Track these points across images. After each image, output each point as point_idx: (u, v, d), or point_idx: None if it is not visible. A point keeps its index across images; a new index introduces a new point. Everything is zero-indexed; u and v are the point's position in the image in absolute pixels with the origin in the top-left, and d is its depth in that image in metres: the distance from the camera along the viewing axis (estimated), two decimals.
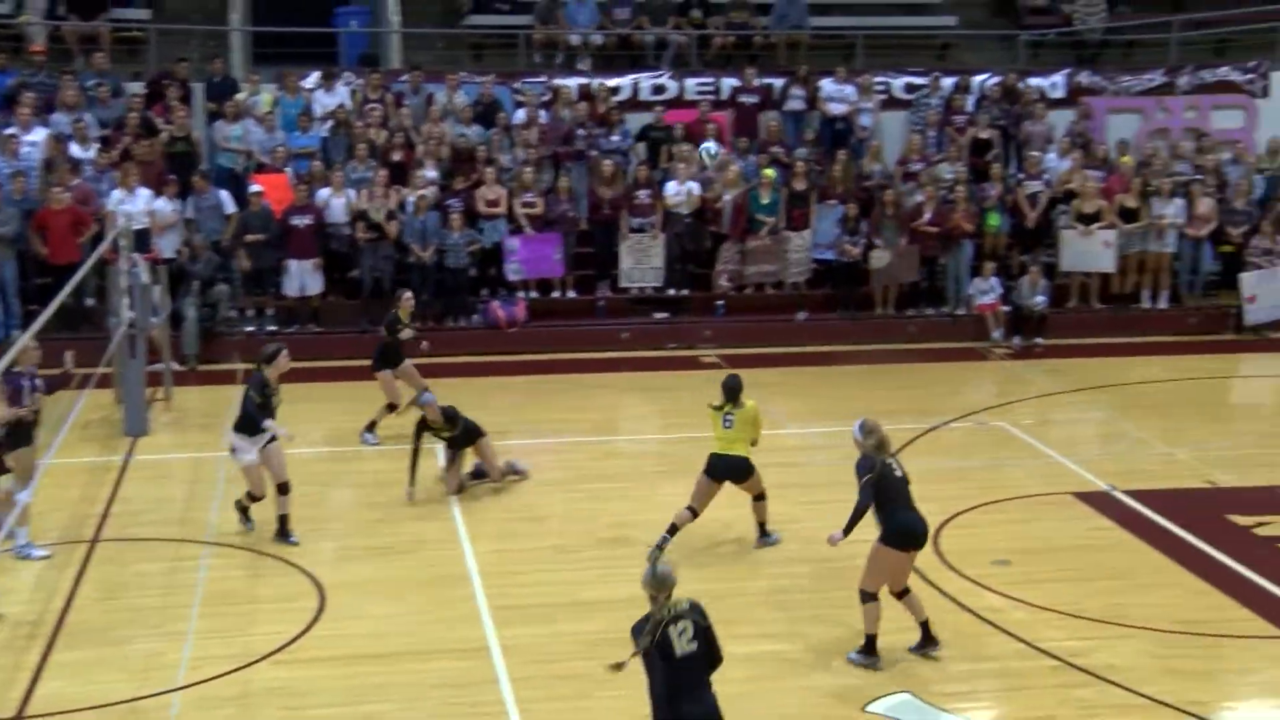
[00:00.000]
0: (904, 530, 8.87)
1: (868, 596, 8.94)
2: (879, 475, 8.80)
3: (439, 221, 17.45)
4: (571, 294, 18.31)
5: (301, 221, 17.26)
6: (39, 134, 17.45)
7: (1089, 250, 18.34)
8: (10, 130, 17.31)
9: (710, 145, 16.81)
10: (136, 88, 18.70)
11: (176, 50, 19.69)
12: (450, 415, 12.05)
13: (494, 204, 17.92)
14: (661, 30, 20.90)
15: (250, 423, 10.84)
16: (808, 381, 16.29)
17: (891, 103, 20.21)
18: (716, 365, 16.83)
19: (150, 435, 13.91)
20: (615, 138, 18.98)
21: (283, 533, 11.03)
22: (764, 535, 11.11)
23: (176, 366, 15.84)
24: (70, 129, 17.59)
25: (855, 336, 18.01)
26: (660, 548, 10.50)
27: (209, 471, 12.63)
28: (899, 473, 8.94)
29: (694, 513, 10.85)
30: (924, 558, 10.65)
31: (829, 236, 18.39)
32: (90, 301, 16.57)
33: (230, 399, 14.36)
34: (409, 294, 13.92)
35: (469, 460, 12.40)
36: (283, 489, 11.00)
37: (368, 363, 16.75)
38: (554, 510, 12.01)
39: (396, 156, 18.19)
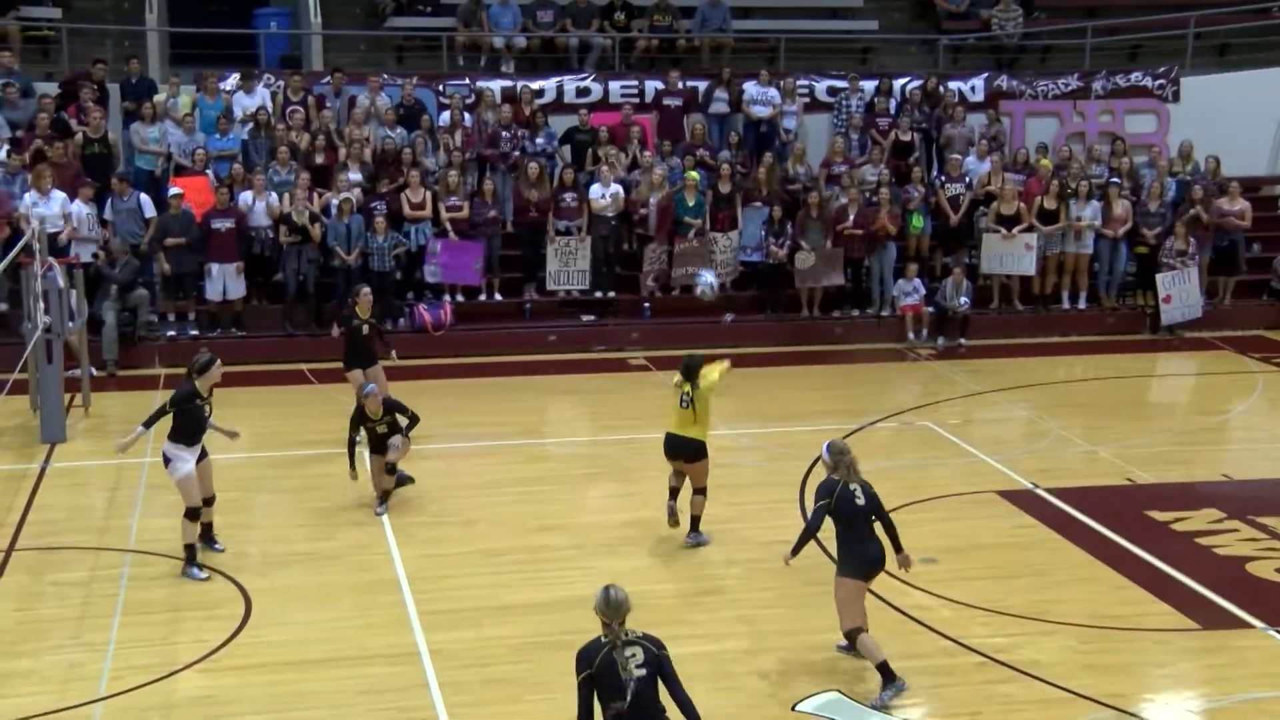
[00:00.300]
0: (864, 560, 8.68)
1: (854, 634, 8.69)
2: (836, 500, 8.61)
3: (363, 225, 17.30)
4: (498, 296, 18.26)
5: (223, 225, 17.05)
6: None
7: (1010, 253, 18.61)
8: None
9: (708, 278, 16.43)
10: (49, 88, 18.35)
11: (90, 50, 19.36)
12: (390, 407, 11.91)
13: (419, 207, 17.81)
14: (585, 33, 20.90)
15: (190, 432, 10.52)
16: (735, 383, 16.27)
17: (814, 105, 20.40)
18: (645, 367, 16.87)
19: (68, 442, 13.65)
20: (540, 140, 18.95)
21: (207, 538, 10.85)
22: (695, 533, 11.12)
23: (95, 372, 15.57)
24: None
25: (782, 338, 18.14)
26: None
27: (129, 478, 12.42)
28: (860, 500, 8.63)
29: (674, 493, 11.07)
30: None
31: (754, 239, 18.49)
32: (4, 306, 16.23)
33: (151, 405, 14.23)
34: (366, 289, 13.60)
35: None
36: (209, 501, 10.81)
37: (292, 366, 16.65)
38: (482, 514, 11.94)
39: (319, 159, 18.04)
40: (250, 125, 18.39)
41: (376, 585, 10.38)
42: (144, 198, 17.18)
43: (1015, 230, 18.42)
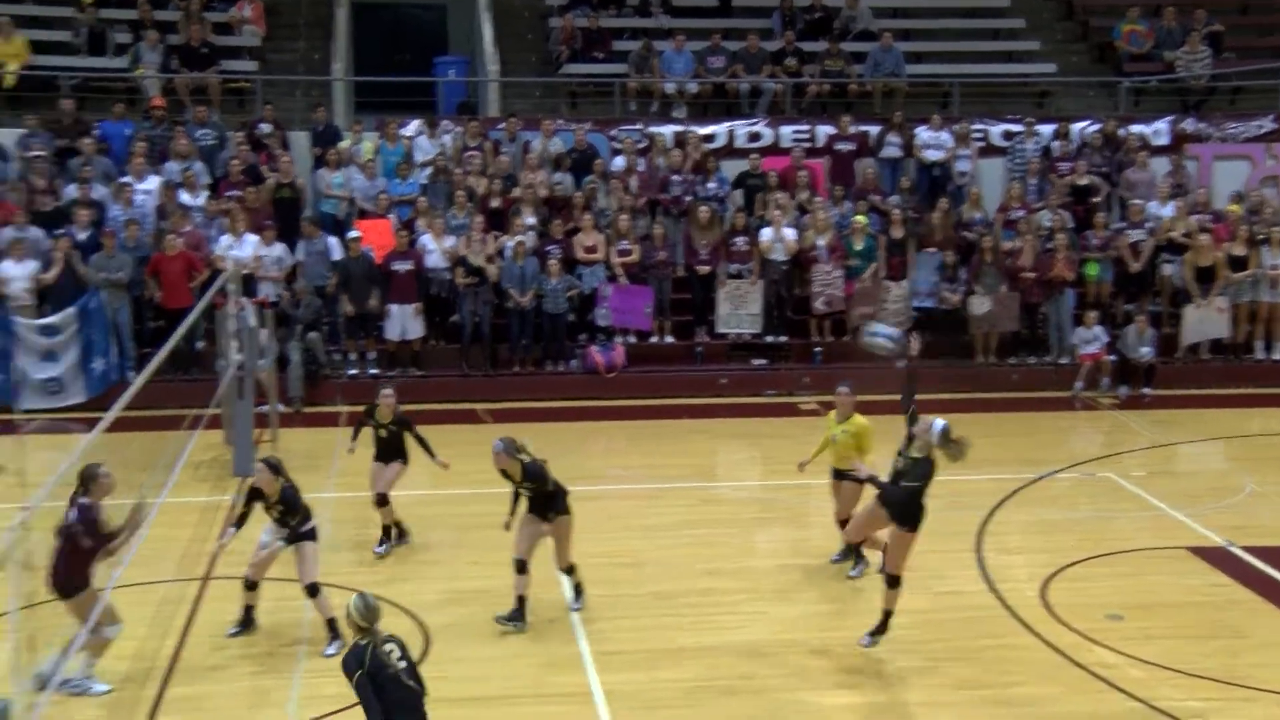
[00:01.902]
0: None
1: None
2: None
3: (537, 267, 17.61)
4: (669, 339, 18.35)
5: (402, 267, 17.53)
6: (152, 182, 17.94)
7: (1208, 318, 18.04)
8: (125, 179, 17.81)
9: (884, 331, 16.28)
10: (243, 137, 19.17)
11: (282, 100, 20.17)
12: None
13: (591, 250, 18.06)
14: (756, 79, 20.99)
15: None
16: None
17: (989, 150, 20.12)
18: (815, 412, 16.73)
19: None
20: (711, 185, 19.07)
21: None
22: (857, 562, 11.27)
23: (282, 408, 16.10)
24: (181, 177, 18.06)
25: (955, 384, 17.82)
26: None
27: (316, 512, 12.73)
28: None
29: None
30: (1032, 610, 10.53)
31: (928, 284, 18.26)
32: (201, 344, 16.93)
33: (333, 441, 14.69)
34: (388, 392, 12.39)
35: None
36: (250, 585, 10.33)
37: (467, 406, 17.01)
38: (653, 556, 11.98)
39: (495, 203, 18.44)
40: (429, 170, 18.92)
41: (549, 624, 10.48)
42: (332, 240, 17.79)
43: (1211, 295, 17.82)
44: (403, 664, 7.27)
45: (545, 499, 10.50)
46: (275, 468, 10.15)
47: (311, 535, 10.18)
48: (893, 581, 9.78)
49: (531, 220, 18.22)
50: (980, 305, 17.90)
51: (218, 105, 19.70)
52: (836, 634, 10.18)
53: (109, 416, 9.90)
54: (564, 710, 9.10)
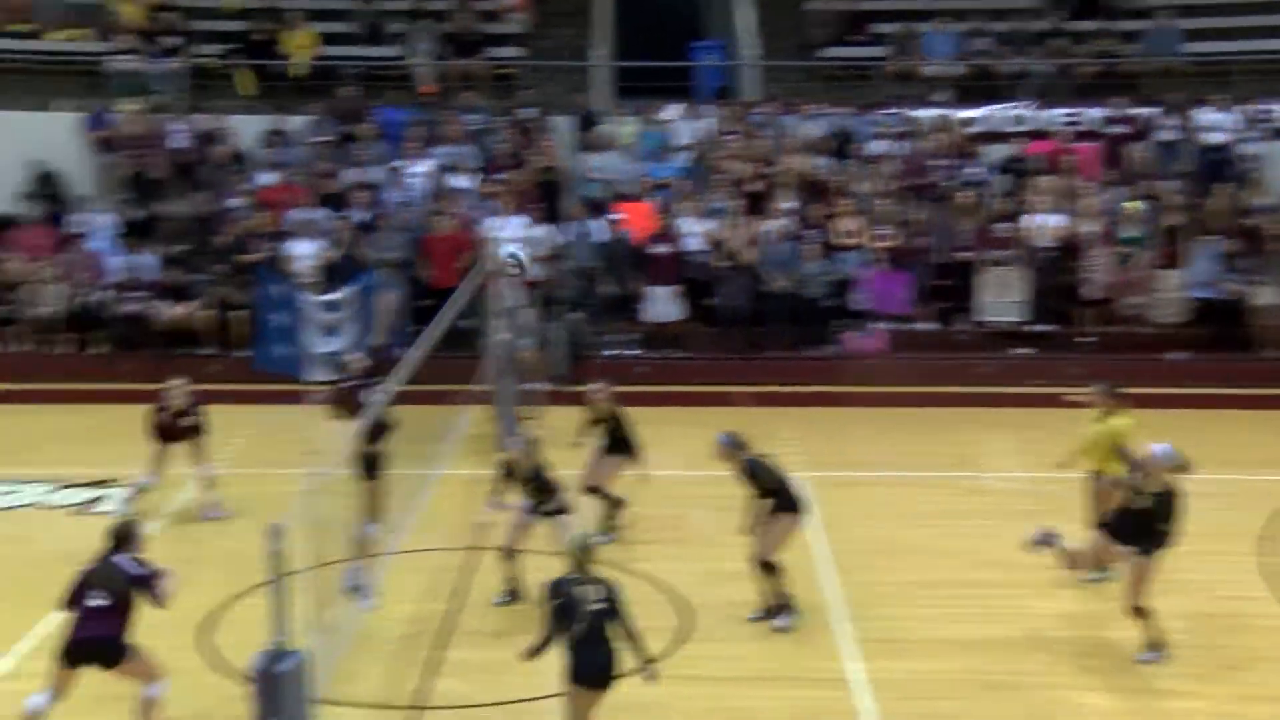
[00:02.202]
0: None
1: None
2: None
3: (796, 251, 17.57)
4: (930, 325, 18.03)
5: (662, 250, 17.74)
6: (424, 166, 18.67)
7: None
8: (399, 163, 18.59)
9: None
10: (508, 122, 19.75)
11: (547, 86, 20.69)
12: (752, 471, 10.52)
13: (851, 235, 17.90)
14: (1023, 60, 20.38)
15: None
16: (1183, 425, 15.42)
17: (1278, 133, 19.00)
18: (1080, 405, 16.19)
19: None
20: (974, 169, 18.63)
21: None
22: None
23: (546, 387, 16.52)
24: (452, 161, 18.73)
25: (1237, 379, 16.93)
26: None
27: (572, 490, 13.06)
28: None
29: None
30: None
31: (1207, 273, 17.40)
32: (468, 323, 17.50)
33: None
34: (598, 387, 12.73)
35: None
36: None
37: (726, 388, 17.11)
38: (917, 544, 11.83)
39: (754, 187, 18.46)
40: (689, 154, 19.08)
41: (810, 608, 10.46)
42: (594, 222, 18.16)
43: None
44: (600, 605, 7.69)
45: (769, 495, 10.21)
46: (527, 445, 10.52)
47: (564, 510, 10.50)
48: (1137, 613, 9.42)
49: (790, 204, 18.18)
50: (1270, 295, 16.91)
51: (485, 91, 20.35)
52: (1107, 633, 9.85)
53: (388, 390, 10.40)
54: (821, 695, 9.10)
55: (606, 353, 17.85)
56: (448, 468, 13.41)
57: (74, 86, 20.08)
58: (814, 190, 18.50)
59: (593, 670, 7.73)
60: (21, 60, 20.47)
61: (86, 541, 11.51)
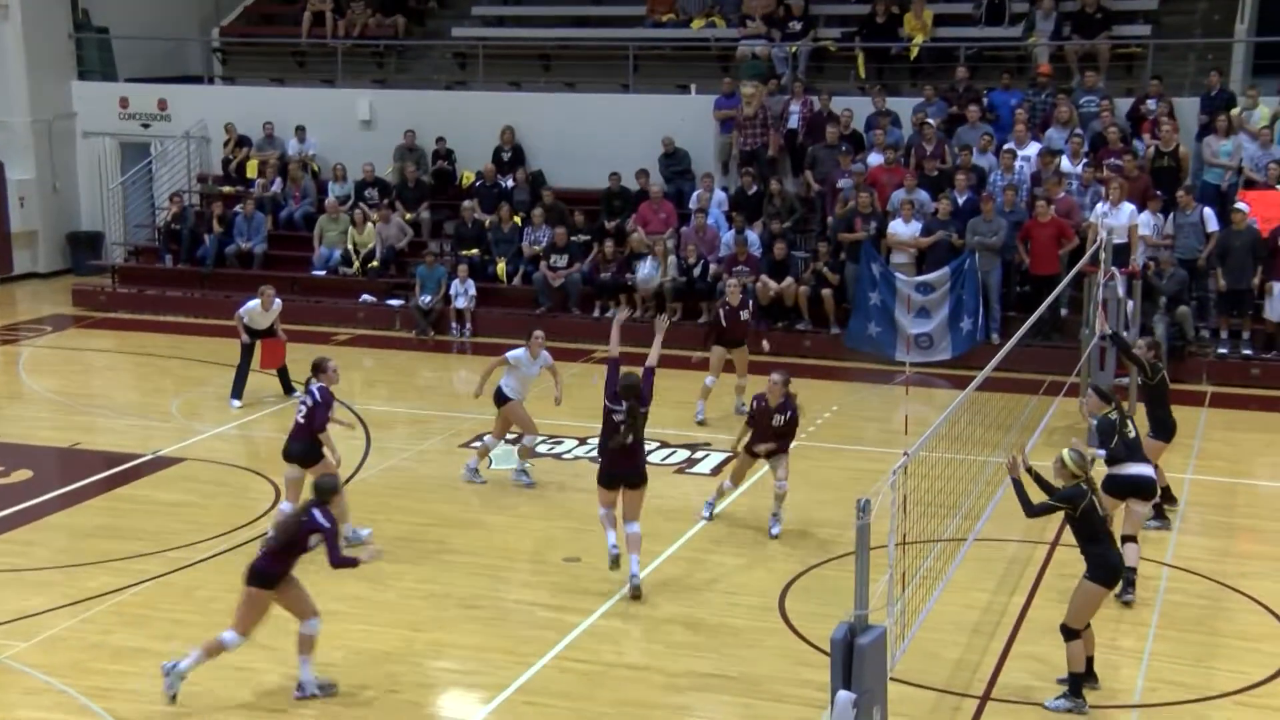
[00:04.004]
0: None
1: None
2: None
3: None
4: None
5: None
6: (1033, 149, 18.30)
7: None
8: (1009, 146, 18.35)
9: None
10: (1127, 104, 18.88)
11: (1174, 66, 19.53)
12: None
13: None
14: None
15: None
16: None
17: None
18: None
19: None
20: None
21: None
22: None
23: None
24: (1064, 144, 18.22)
25: None
26: None
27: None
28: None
29: None
30: None
31: None
32: (1065, 312, 17.05)
33: (1194, 421, 14.17)
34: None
35: None
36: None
37: None
38: None
39: None
40: None
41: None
42: (1207, 211, 17.02)
43: None
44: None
45: None
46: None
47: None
48: None
49: None
50: None
51: (1104, 71, 19.56)
52: None
53: (981, 375, 10.39)
54: None
55: (1217, 350, 16.72)
56: (1030, 459, 13.15)
57: (710, 70, 21.56)
58: None
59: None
60: (667, 47, 22.27)
61: (686, 498, 12.56)
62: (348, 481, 13.12)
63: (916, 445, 9.66)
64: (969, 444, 11.83)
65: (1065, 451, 8.71)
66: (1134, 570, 10.17)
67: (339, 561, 8.83)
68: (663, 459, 13.91)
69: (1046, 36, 20.07)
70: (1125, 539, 10.02)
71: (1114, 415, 10.43)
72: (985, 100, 19.33)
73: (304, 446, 11.12)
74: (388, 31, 23.81)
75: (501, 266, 19.96)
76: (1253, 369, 16.42)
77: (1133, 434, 10.46)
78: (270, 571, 8.76)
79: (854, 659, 7.47)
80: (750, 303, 15.54)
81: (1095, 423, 10.69)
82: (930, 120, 18.99)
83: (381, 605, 10.24)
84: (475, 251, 20.10)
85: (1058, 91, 19.11)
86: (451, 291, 19.38)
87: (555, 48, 23.00)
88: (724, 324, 15.18)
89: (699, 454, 14.06)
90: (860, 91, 20.46)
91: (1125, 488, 10.17)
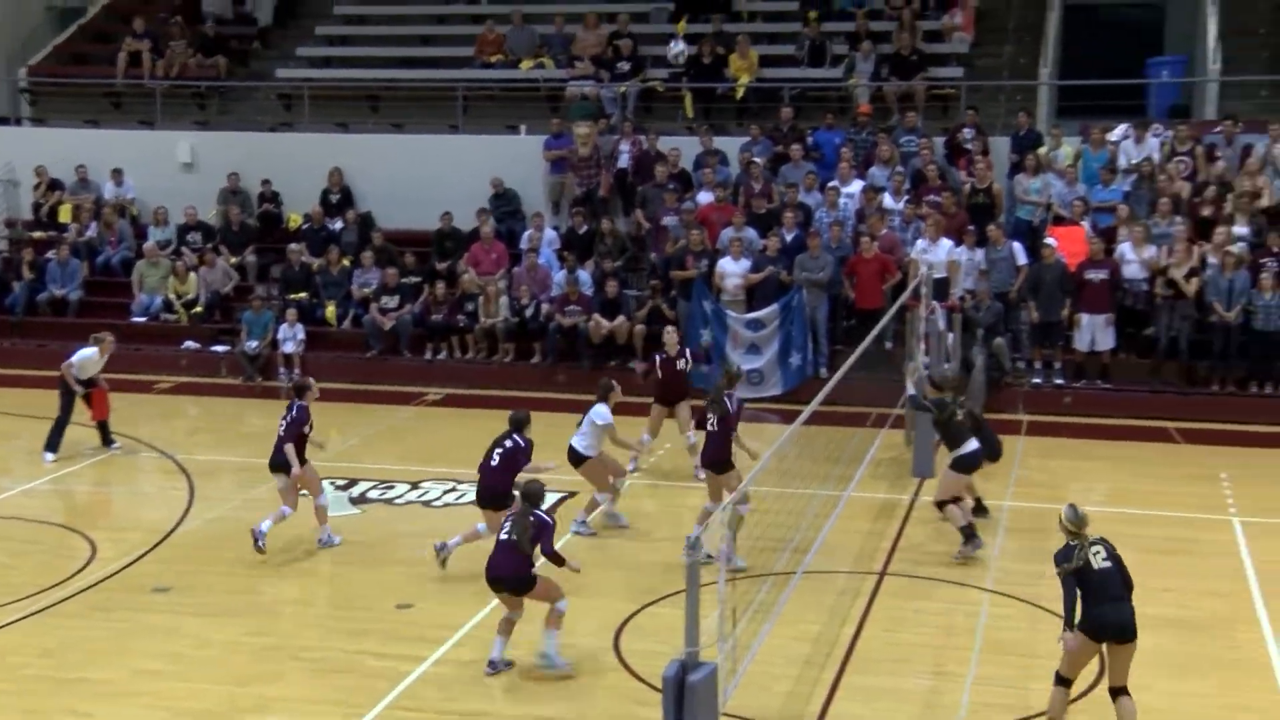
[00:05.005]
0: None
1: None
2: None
3: (1248, 281, 16.39)
4: None
5: (1096, 276, 17.03)
6: (856, 186, 18.79)
7: None
8: (833, 184, 18.80)
9: None
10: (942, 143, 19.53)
11: (985, 106, 20.29)
12: None
13: None
14: None
15: None
16: None
17: None
18: None
19: (935, 478, 14.35)
20: None
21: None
22: None
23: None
24: (887, 182, 18.74)
25: None
26: None
27: (989, 520, 12.78)
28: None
29: None
30: None
31: None
32: (889, 345, 17.47)
33: (1011, 449, 14.66)
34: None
35: None
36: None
37: (1156, 423, 16.22)
38: None
39: (1205, 212, 17.38)
40: (1134, 176, 18.20)
41: (1246, 664, 9.81)
42: (1016, 246, 17.67)
43: None
44: (1107, 563, 8.35)
45: None
46: None
47: None
48: None
49: (1244, 231, 16.98)
50: None
51: (922, 111, 20.22)
52: None
53: (807, 410, 10.58)
54: None
55: (1031, 381, 17.34)
56: (857, 491, 13.45)
57: (539, 111, 21.64)
58: (1274, 215, 17.18)
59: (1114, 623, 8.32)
60: (496, 88, 22.28)
61: None
62: (171, 534, 12.75)
63: (746, 480, 9.82)
64: (798, 478, 12.05)
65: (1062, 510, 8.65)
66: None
67: (551, 554, 9.68)
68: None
69: (866, 78, 20.68)
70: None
71: (949, 398, 11.72)
72: (810, 139, 19.79)
73: (284, 458, 12.06)
74: (209, 72, 23.37)
75: (331, 310, 19.67)
76: (1065, 398, 17.05)
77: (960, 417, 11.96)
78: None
79: (685, 696, 7.51)
80: (688, 352, 14.96)
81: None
82: (757, 159, 19.36)
83: (204, 661, 9.91)
84: (304, 295, 19.79)
85: (878, 131, 19.68)
86: (279, 336, 19.01)
87: (383, 88, 22.86)
88: (660, 376, 14.67)
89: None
90: (689, 131, 20.76)
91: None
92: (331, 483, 13.81)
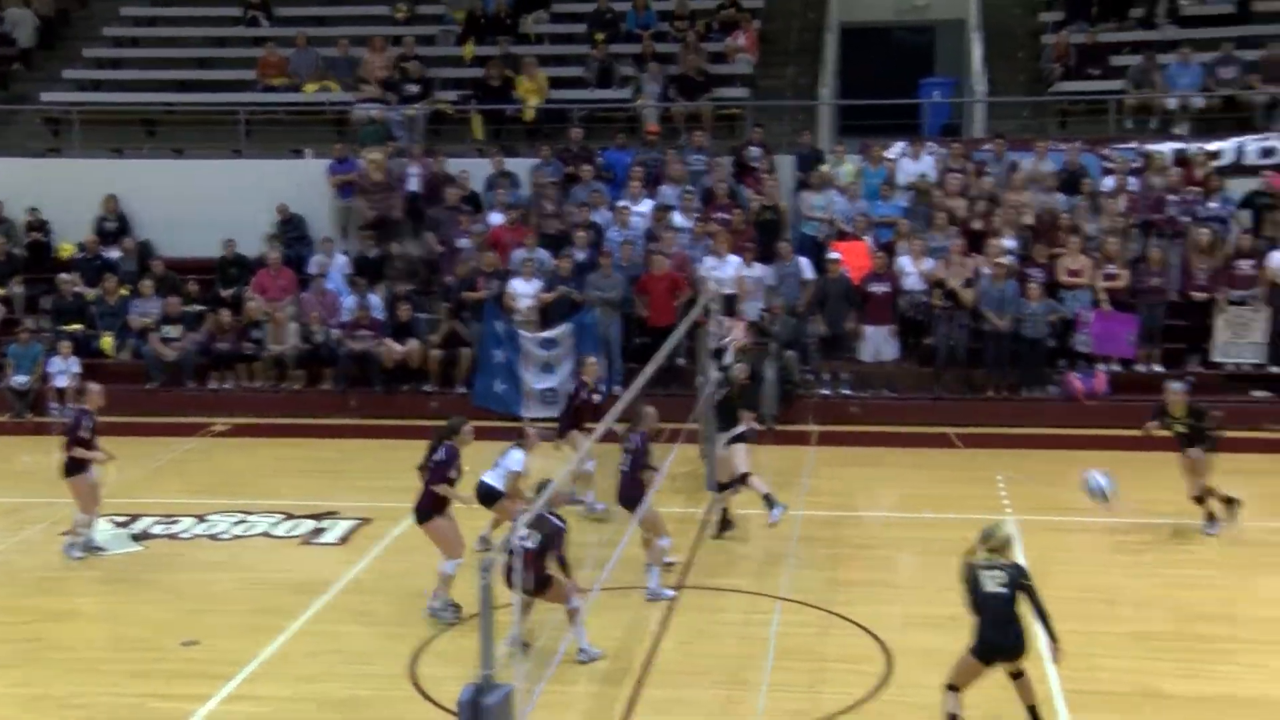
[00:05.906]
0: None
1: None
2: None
3: (1017, 291, 17.14)
4: (1156, 368, 17.29)
5: (879, 289, 17.57)
6: (646, 205, 18.99)
7: None
8: (623, 203, 18.96)
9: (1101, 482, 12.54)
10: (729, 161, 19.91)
11: (770, 125, 20.77)
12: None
13: (1076, 274, 17.36)
14: (1277, 89, 19.42)
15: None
16: None
17: None
18: None
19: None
20: (1214, 205, 17.85)
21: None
22: None
23: (756, 426, 16.50)
24: (677, 200, 18.98)
25: None
26: None
27: (783, 530, 13.02)
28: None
29: None
30: None
31: None
32: (682, 361, 17.68)
33: (803, 460, 14.97)
34: (1179, 386, 13.27)
35: None
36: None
37: (939, 430, 16.77)
38: (1132, 594, 11.36)
39: (976, 225, 18.12)
40: (911, 192, 18.87)
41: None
42: (804, 261, 18.12)
43: None
44: (1003, 590, 8.53)
45: None
46: None
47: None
48: None
49: (1012, 243, 17.76)
50: None
51: (709, 131, 20.57)
52: None
53: (601, 427, 10.61)
54: None
55: (820, 392, 17.76)
56: (656, 505, 13.51)
57: (325, 134, 21.24)
58: (1039, 229, 18.02)
59: (998, 646, 8.55)
60: (280, 111, 21.79)
61: (313, 570, 12.21)
62: None
63: (540, 500, 9.76)
64: (600, 494, 12.06)
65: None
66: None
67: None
68: (288, 531, 13.47)
69: (654, 98, 20.95)
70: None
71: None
72: (600, 159, 19.93)
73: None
74: None
75: (107, 341, 18.90)
76: (852, 407, 17.52)
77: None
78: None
79: (481, 719, 7.43)
80: (601, 388, 14.58)
81: None
82: (548, 180, 19.38)
83: None
84: (78, 326, 18.96)
85: (667, 150, 19.94)
86: (50, 369, 18.17)
87: (161, 113, 22.11)
88: (580, 404, 13.99)
89: (324, 523, 13.67)
90: (478, 153, 20.67)
91: None
92: (111, 519, 13.27)
